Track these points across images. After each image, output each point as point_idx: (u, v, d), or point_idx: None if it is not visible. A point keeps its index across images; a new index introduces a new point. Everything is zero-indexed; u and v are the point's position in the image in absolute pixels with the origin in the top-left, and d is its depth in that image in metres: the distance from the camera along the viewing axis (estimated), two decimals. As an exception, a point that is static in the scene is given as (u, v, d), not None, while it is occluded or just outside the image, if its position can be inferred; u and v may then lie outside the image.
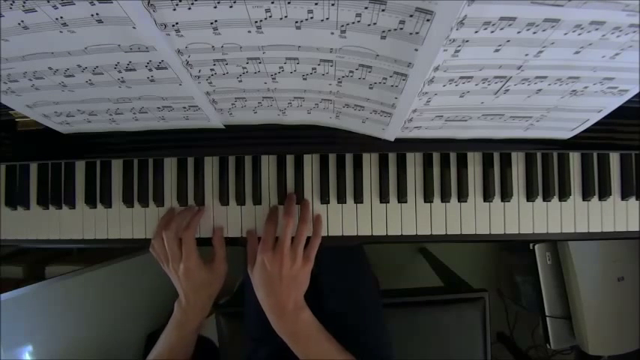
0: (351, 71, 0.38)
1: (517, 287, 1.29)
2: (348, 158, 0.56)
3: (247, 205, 0.56)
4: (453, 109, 0.43)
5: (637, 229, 0.55)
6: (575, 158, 0.56)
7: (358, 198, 0.55)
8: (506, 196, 0.55)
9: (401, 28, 0.31)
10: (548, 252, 1.05)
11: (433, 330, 0.77)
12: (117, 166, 0.58)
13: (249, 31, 0.33)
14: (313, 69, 0.39)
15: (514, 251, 1.32)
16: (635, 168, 0.56)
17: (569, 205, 0.55)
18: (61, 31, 0.32)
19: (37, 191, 0.58)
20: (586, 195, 0.55)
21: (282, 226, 0.50)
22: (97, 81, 0.39)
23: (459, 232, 0.55)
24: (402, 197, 0.55)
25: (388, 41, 0.33)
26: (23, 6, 0.30)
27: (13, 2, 0.29)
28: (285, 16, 0.31)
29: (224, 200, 0.56)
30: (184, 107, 0.45)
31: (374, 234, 0.56)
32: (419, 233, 0.55)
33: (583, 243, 0.98)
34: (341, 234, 0.56)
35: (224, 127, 0.50)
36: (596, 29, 0.31)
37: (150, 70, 0.38)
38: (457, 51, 0.33)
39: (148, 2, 0.30)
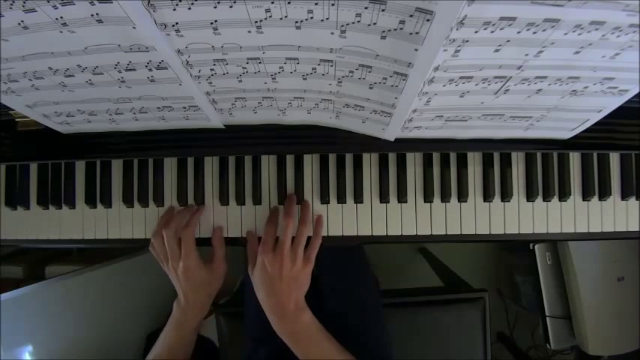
0: (351, 71, 0.38)
1: (517, 287, 1.29)
2: (348, 158, 0.56)
3: (247, 205, 0.56)
4: (453, 109, 0.43)
5: (637, 229, 0.55)
6: (575, 158, 0.56)
7: (358, 198, 0.55)
8: (506, 196, 0.55)
9: (401, 28, 0.31)
10: (548, 252, 1.05)
11: (433, 330, 0.77)
12: (117, 166, 0.58)
13: (249, 31, 0.33)
14: (313, 69, 0.39)
15: (514, 251, 1.32)
16: (635, 168, 0.56)
17: (569, 205, 0.55)
18: (61, 31, 0.32)
19: (37, 191, 0.58)
20: (586, 195, 0.55)
21: (283, 227, 0.50)
22: (97, 81, 0.39)
23: (459, 232, 0.55)
24: (402, 197, 0.55)
25: (388, 41, 0.33)
26: (23, 6, 0.30)
27: (13, 2, 0.29)
28: (285, 16, 0.31)
29: (224, 200, 0.56)
30: (184, 107, 0.45)
31: (374, 234, 0.56)
32: (419, 233, 0.55)
33: (583, 243, 0.98)
34: (341, 234, 0.56)
35: (224, 127, 0.50)
36: (596, 29, 0.31)
37: (150, 70, 0.38)
38: (457, 51, 0.33)
39: (148, 2, 0.30)
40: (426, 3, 0.28)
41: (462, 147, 0.52)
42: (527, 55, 0.34)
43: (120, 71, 0.38)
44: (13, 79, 0.39)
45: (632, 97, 0.40)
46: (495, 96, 0.40)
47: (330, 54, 0.36)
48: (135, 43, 0.34)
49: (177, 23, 0.32)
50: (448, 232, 0.55)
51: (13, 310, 0.77)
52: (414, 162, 0.56)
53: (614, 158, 0.56)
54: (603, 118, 0.44)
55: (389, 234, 0.55)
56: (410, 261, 1.43)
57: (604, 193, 0.55)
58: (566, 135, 0.49)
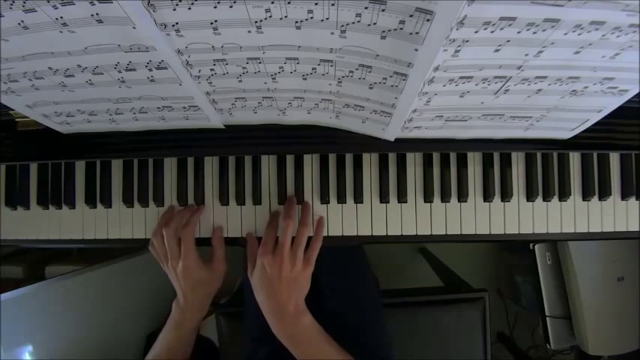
0: (351, 71, 0.38)
1: (517, 287, 1.29)
2: (348, 158, 0.56)
3: (247, 205, 0.56)
4: (453, 109, 0.43)
5: (637, 229, 0.55)
6: (575, 158, 0.56)
7: (358, 198, 0.55)
8: (506, 196, 0.55)
9: (401, 28, 0.31)
10: (548, 252, 1.05)
11: (433, 330, 0.77)
12: (117, 166, 0.58)
13: (249, 31, 0.33)
14: (313, 69, 0.39)
15: (514, 251, 1.32)
16: (635, 168, 0.56)
17: (569, 205, 0.55)
18: (61, 31, 0.32)
19: (37, 191, 0.58)
20: (586, 195, 0.55)
21: (282, 228, 0.50)
22: (97, 81, 0.39)
23: (459, 232, 0.55)
24: (402, 197, 0.55)
25: (388, 41, 0.33)
26: (23, 6, 0.30)
27: (13, 2, 0.29)
28: (285, 16, 0.31)
29: (224, 200, 0.56)
30: (184, 107, 0.45)
31: (374, 234, 0.56)
32: (419, 233, 0.55)
33: (583, 243, 0.98)
34: (341, 234, 0.56)
35: (224, 127, 0.50)
36: (596, 29, 0.31)
37: (150, 70, 0.38)
38: (457, 51, 0.33)
39: (148, 2, 0.30)
40: (426, 3, 0.28)
41: (462, 147, 0.52)
42: (527, 55, 0.34)
43: (120, 71, 0.38)
44: (13, 79, 0.39)
45: (632, 97, 0.40)
46: (495, 96, 0.40)
47: (330, 54, 0.36)
48: (135, 43, 0.34)
49: (177, 23, 0.32)
50: (448, 232, 0.55)
51: (13, 310, 0.77)
52: (414, 162, 0.56)
53: (614, 158, 0.56)
54: (603, 118, 0.44)
55: (389, 234, 0.55)
56: (410, 261, 1.43)
57: (604, 193, 0.55)
58: (566, 135, 0.49)
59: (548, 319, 1.06)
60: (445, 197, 0.55)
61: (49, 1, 0.29)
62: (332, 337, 0.53)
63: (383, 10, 0.30)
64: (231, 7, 0.30)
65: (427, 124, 0.46)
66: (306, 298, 0.53)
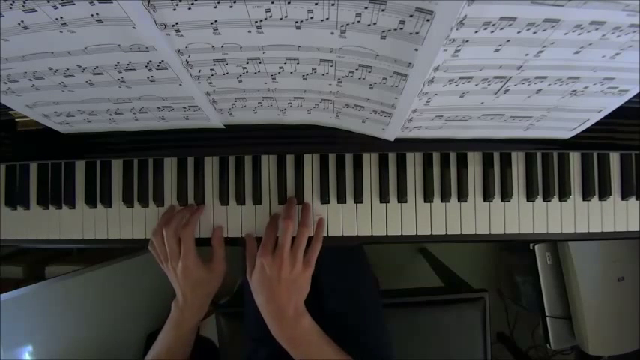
0: (351, 71, 0.38)
1: (517, 287, 1.29)
2: (348, 158, 0.56)
3: (247, 205, 0.56)
4: (453, 109, 0.43)
5: (637, 229, 0.55)
6: (575, 158, 0.56)
7: (358, 198, 0.55)
8: (506, 196, 0.55)
9: (401, 28, 0.31)
10: (548, 252, 1.05)
11: (433, 330, 0.77)
12: (117, 166, 0.58)
13: (249, 31, 0.33)
14: (313, 69, 0.39)
15: (514, 251, 1.32)
16: (635, 168, 0.55)
17: (569, 205, 0.55)
18: (61, 31, 0.32)
19: (37, 191, 0.58)
20: (586, 195, 0.55)
21: (282, 229, 0.50)
22: (97, 81, 0.39)
23: (459, 232, 0.55)
24: (402, 197, 0.55)
25: (388, 41, 0.33)
26: (23, 6, 0.30)
27: (13, 2, 0.29)
28: (285, 16, 0.31)
29: (224, 200, 0.56)
30: (184, 107, 0.45)
31: (374, 234, 0.56)
32: (419, 233, 0.55)
33: (583, 243, 0.98)
34: (341, 234, 0.56)
35: (224, 127, 0.50)
36: (596, 29, 0.31)
37: (150, 70, 0.38)
38: (457, 51, 0.33)
39: (148, 2, 0.30)
40: (426, 3, 0.28)
41: (462, 147, 0.52)
42: (527, 55, 0.34)
43: (120, 71, 0.38)
44: (13, 79, 0.39)
45: (632, 97, 0.40)
46: (495, 96, 0.40)
47: (330, 54, 0.36)
48: (135, 43, 0.34)
49: (177, 23, 0.32)
50: (448, 232, 0.55)
51: (13, 310, 0.77)
52: (414, 162, 0.56)
53: (614, 158, 0.56)
54: (603, 118, 0.44)
55: (389, 234, 0.55)
56: (410, 261, 1.43)
57: (604, 193, 0.55)
58: (566, 135, 0.49)
59: (548, 319, 1.06)
60: (445, 197, 0.55)
61: (49, 1, 0.29)
62: (332, 338, 0.53)
63: (383, 10, 0.30)
64: (231, 7, 0.30)
65: (427, 124, 0.46)
66: (306, 298, 0.52)
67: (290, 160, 0.56)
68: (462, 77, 0.37)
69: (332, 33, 0.33)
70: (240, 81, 0.40)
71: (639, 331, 1.01)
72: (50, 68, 0.37)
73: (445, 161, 0.55)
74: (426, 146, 0.53)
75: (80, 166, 0.58)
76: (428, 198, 0.55)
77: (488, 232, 0.55)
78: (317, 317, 0.53)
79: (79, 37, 0.33)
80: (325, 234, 0.55)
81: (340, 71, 0.39)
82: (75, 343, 0.90)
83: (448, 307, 0.79)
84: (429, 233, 0.55)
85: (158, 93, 0.42)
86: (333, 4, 0.30)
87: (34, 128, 0.52)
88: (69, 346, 0.89)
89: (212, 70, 0.38)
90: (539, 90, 0.39)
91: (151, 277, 1.11)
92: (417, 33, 0.31)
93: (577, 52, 0.34)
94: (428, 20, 0.29)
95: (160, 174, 0.57)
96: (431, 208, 0.56)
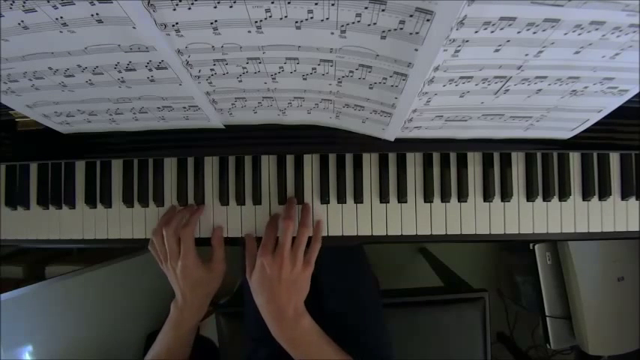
0: (351, 71, 0.38)
1: (517, 287, 1.29)
2: (348, 158, 0.56)
3: (247, 205, 0.56)
4: (453, 109, 0.43)
5: (637, 229, 0.55)
6: (575, 158, 0.56)
7: (358, 198, 0.55)
8: (506, 196, 0.55)
9: (401, 28, 0.31)
10: (548, 252, 1.05)
11: (433, 330, 0.77)
12: (117, 166, 0.58)
13: (249, 31, 0.33)
14: (313, 69, 0.39)
15: (514, 251, 1.32)
16: (635, 168, 0.55)
17: (569, 205, 0.55)
18: (61, 31, 0.32)
19: (37, 191, 0.58)
20: (586, 195, 0.55)
21: (283, 229, 0.50)
22: (97, 81, 0.39)
23: (459, 232, 0.55)
24: (402, 197, 0.55)
25: (388, 41, 0.33)
26: (23, 6, 0.30)
27: (13, 2, 0.29)
28: (285, 16, 0.31)
29: (224, 200, 0.56)
30: (184, 107, 0.45)
31: (374, 234, 0.56)
32: (419, 233, 0.55)
33: (583, 243, 0.98)
34: (341, 234, 0.56)
35: (224, 127, 0.50)
36: (596, 29, 0.31)
37: (150, 70, 0.38)
38: (457, 51, 0.33)
39: (148, 2, 0.30)
40: (426, 3, 0.28)
41: (462, 147, 0.52)
42: (527, 55, 0.34)
43: (120, 71, 0.38)
44: (13, 79, 0.39)
45: (632, 97, 0.40)
46: (495, 96, 0.40)
47: (330, 54, 0.36)
48: (135, 43, 0.34)
49: (177, 23, 0.32)
50: (448, 232, 0.55)
51: (13, 310, 0.77)
52: (414, 162, 0.56)
53: (614, 158, 0.56)
54: (603, 118, 0.44)
55: (389, 234, 0.55)
56: (410, 261, 1.43)
57: (604, 193, 0.55)
58: (566, 135, 0.49)
59: (548, 319, 1.06)
60: (445, 197, 0.55)
61: (49, 1, 0.29)
62: (332, 338, 0.53)
63: (383, 10, 0.30)
64: (231, 7, 0.30)
65: (427, 124, 0.46)
66: (306, 298, 0.52)
67: (290, 160, 0.56)
68: (462, 77, 0.37)
69: (332, 33, 0.33)
70: (240, 81, 0.40)
71: (639, 331, 1.01)
72: (50, 68, 0.37)
73: (445, 161, 0.55)
74: (426, 146, 0.53)
75: (80, 166, 0.58)
76: (428, 198, 0.55)
77: (488, 232, 0.55)
78: (317, 317, 0.53)
79: (79, 37, 0.33)
80: (325, 234, 0.55)
81: (340, 71, 0.39)
82: (75, 343, 0.90)
83: (448, 307, 0.79)
84: (429, 233, 0.55)
85: (158, 93, 0.42)
86: (333, 4, 0.30)
87: (34, 128, 0.52)
88: (69, 346, 0.89)
89: (212, 70, 0.38)
90: (539, 90, 0.39)
91: (150, 277, 1.11)
92: (417, 33, 0.31)
93: (577, 52, 0.34)
94: (428, 20, 0.29)
95: (159, 174, 0.57)
96: (431, 208, 0.56)
